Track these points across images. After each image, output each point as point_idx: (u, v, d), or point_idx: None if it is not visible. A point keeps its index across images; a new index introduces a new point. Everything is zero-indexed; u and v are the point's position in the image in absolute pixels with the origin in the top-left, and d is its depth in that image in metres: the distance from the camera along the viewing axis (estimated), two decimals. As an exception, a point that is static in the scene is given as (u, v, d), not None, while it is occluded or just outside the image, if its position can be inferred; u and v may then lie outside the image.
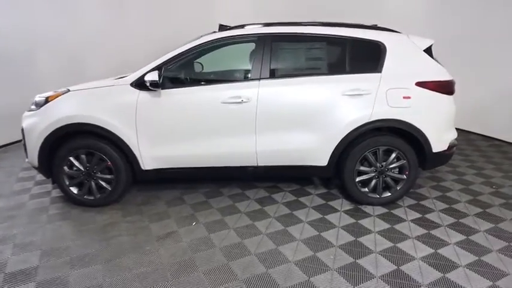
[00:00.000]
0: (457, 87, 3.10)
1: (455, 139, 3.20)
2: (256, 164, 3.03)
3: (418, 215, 2.97)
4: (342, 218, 2.93)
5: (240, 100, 2.84)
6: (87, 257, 2.44)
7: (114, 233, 2.72)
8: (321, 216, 2.97)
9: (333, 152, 2.97)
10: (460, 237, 2.66)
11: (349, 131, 2.90)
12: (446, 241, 2.60)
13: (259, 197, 3.33)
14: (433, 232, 2.71)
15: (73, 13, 5.88)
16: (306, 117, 2.91)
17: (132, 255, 2.45)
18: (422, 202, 3.22)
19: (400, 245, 2.55)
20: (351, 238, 2.64)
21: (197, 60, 3.28)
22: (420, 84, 2.92)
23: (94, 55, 6.19)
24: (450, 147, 3.13)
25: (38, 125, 2.94)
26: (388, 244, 2.56)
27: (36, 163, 3.01)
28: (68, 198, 3.14)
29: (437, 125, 3.02)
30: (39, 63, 5.41)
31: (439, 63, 3.06)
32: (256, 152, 2.97)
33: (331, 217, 2.95)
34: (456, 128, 3.26)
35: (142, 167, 3.01)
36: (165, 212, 3.05)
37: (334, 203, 3.20)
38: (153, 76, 2.75)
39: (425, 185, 3.61)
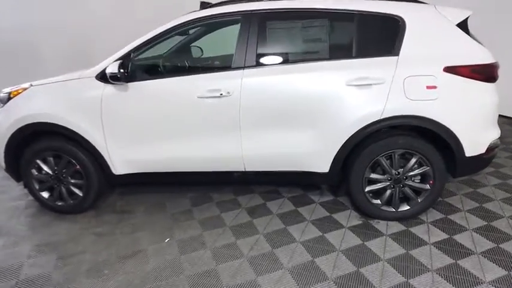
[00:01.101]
0: (503, 65, 2.38)
1: (498, 138, 2.51)
2: (243, 169, 2.55)
3: (444, 236, 2.36)
4: (346, 238, 2.39)
5: (219, 94, 2.34)
6: (38, 280, 2.12)
7: (76, 249, 2.38)
8: (320, 234, 2.44)
9: (335, 156, 2.41)
10: (500, 272, 2.04)
11: (355, 131, 2.32)
12: (480, 278, 1.99)
13: (252, 205, 2.86)
14: (462, 263, 2.11)
15: (78, 2, 5.59)
16: (301, 114, 2.35)
17: (86, 280, 2.09)
18: (451, 216, 2.59)
19: (415, 282, 1.99)
20: (352, 268, 2.10)
21: (171, 46, 2.80)
22: (450, 69, 2.25)
23: (101, 45, 5.90)
24: (490, 149, 2.45)
25: (1, 123, 2.64)
26: (399, 279, 2.01)
27: (3, 164, 2.74)
28: (40, 203, 2.86)
29: (473, 122, 2.35)
30: (42, 55, 5.21)
31: (478, 41, 2.36)
32: (242, 156, 2.48)
33: (333, 236, 2.42)
34: (502, 116, 2.56)
35: (114, 172, 2.64)
36: (141, 223, 2.66)
37: (340, 216, 2.65)
38: (113, 68, 2.31)
39: (457, 191, 2.95)
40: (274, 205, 2.84)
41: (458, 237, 2.35)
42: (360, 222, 2.57)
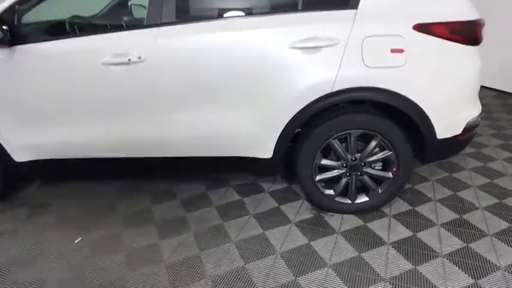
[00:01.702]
0: (490, 29, 1.92)
1: (478, 116, 2.08)
2: (169, 155, 2.10)
3: (407, 233, 1.98)
4: (290, 236, 1.99)
5: (127, 59, 1.84)
6: None
7: (-36, 252, 1.97)
8: (261, 231, 2.05)
9: (279, 139, 1.96)
10: (468, 281, 1.68)
11: (300, 108, 1.86)
12: (440, 288, 1.63)
13: (189, 195, 2.43)
14: (423, 269, 1.73)
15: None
16: (234, 86, 1.88)
17: (-41, 296, 1.69)
18: (419, 208, 2.20)
19: (362, 294, 1.61)
20: (289, 277, 1.72)
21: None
22: (422, 27, 1.76)
23: None
24: (467, 129, 2.02)
25: None
26: (344, 291, 1.64)
27: None
28: None
29: (449, 96, 1.90)
30: None
31: (458, -7, 1.87)
32: (164, 138, 2.03)
33: (275, 234, 2.02)
34: (486, 88, 2.11)
35: (15, 159, 2.17)
36: (54, 220, 2.25)
37: (289, 208, 2.25)
38: None
39: (430, 177, 2.55)
40: (216, 195, 2.42)
41: (423, 235, 1.96)
42: (311, 215, 2.17)
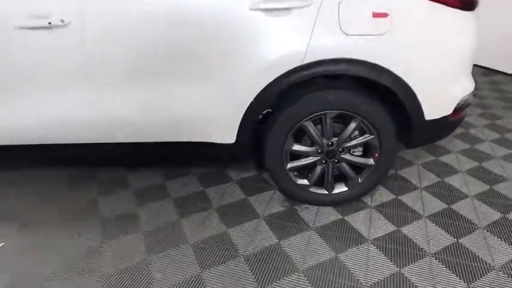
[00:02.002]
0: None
1: (471, 93, 1.82)
2: (111, 140, 1.77)
3: (390, 227, 1.74)
4: (257, 235, 1.71)
5: (47, 23, 1.47)
6: None
7: None
8: (224, 229, 1.76)
9: (242, 121, 1.65)
10: (455, 281, 1.45)
11: (266, 84, 1.55)
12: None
13: (143, 186, 2.11)
14: (408, 272, 1.50)
15: None
16: (185, 56, 1.54)
17: None
18: (404, 197, 1.96)
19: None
20: (254, 286, 1.46)
21: None
22: (409, -13, 1.47)
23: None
24: (459, 109, 1.77)
25: None
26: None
27: None
28: None
29: (439, 70, 1.62)
30: None
31: None
32: (102, 121, 1.69)
33: (240, 233, 1.74)
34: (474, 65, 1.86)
35: None
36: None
37: (258, 200, 1.97)
38: None
39: (415, 160, 2.32)
40: (175, 186, 2.11)
41: (408, 230, 1.73)
42: (283, 208, 1.90)
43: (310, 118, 1.64)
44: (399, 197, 1.96)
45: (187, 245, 1.67)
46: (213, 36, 1.50)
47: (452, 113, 1.74)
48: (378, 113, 1.64)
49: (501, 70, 4.13)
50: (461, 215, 1.82)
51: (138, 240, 1.69)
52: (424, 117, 1.67)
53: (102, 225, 1.80)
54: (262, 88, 1.55)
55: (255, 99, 1.58)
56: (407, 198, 1.95)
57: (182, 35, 1.50)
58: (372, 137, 1.69)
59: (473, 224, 1.76)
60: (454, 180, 2.11)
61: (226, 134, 1.70)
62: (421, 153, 2.41)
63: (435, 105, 1.66)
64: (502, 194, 1.98)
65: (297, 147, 1.73)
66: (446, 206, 1.89)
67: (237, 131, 1.68)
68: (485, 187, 2.04)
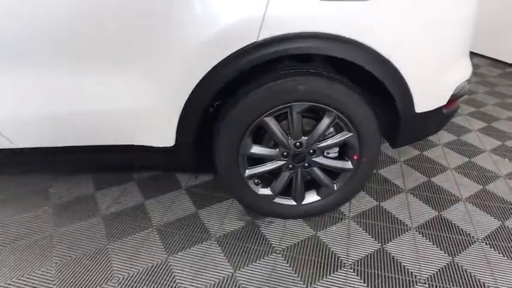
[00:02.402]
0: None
1: (468, 80, 1.50)
2: (11, 145, 1.32)
3: (375, 245, 1.42)
4: (206, 267, 1.34)
5: None
6: None
7: None
8: (164, 257, 1.38)
9: (182, 116, 1.25)
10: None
11: (209, 69, 1.15)
12: None
13: (65, 199, 1.68)
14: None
15: None
16: (102, 35, 1.10)
17: None
18: (387, 203, 1.64)
19: None
20: None
21: None
22: None
23: None
24: (453, 99, 1.44)
25: None
26: None
27: None
28: None
29: (436, 50, 1.27)
30: None
31: None
32: (-1, 121, 1.25)
33: (182, 262, 1.36)
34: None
35: None
36: None
37: (212, 214, 1.58)
38: None
39: (397, 157, 2.01)
40: (107, 198, 1.69)
41: (395, 247, 1.42)
42: (241, 224, 1.53)
43: (272, 113, 1.26)
44: (382, 204, 1.64)
45: (112, 282, 1.28)
46: (132, 10, 1.07)
47: (447, 104, 1.42)
48: (358, 105, 1.27)
49: (478, 52, 3.91)
50: (457, 226, 1.52)
51: (47, 272, 1.29)
52: (414, 110, 1.33)
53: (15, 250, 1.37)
54: (204, 75, 1.15)
55: (197, 89, 1.18)
56: (391, 205, 1.63)
57: (96, 16, 1.06)
58: (350, 135, 1.34)
59: (471, 236, 1.47)
60: (442, 180, 1.81)
61: (162, 135, 1.29)
62: (403, 148, 2.11)
63: (428, 94, 1.33)
64: (498, 196, 1.71)
65: (256, 149, 1.35)
66: (437, 213, 1.59)
67: (175, 130, 1.28)
68: (478, 187, 1.76)
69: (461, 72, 1.40)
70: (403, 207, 1.62)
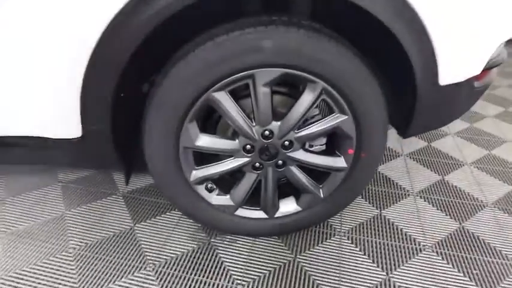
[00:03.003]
0: None
1: (505, 46, 1.08)
2: None
3: (381, 275, 1.02)
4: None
5: None
6: None
7: None
8: (71, 298, 0.97)
9: (85, 98, 0.80)
10: None
11: (105, 27, 0.69)
12: None
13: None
14: None
15: None
16: None
17: None
18: (391, 213, 1.23)
19: None
20: None
21: None
22: None
23: None
24: (488, 68, 1.02)
25: None
26: None
27: None
28: None
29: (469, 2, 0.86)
30: None
31: None
32: None
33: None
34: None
35: None
36: None
37: (155, 230, 1.13)
38: None
39: (400, 149, 1.60)
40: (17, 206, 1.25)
41: (404, 272, 1.01)
42: (192, 246, 1.10)
43: (225, 85, 0.83)
44: (383, 212, 1.23)
45: None
46: None
47: (480, 74, 1.00)
48: (357, 74, 0.85)
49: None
50: (470, 243, 1.13)
51: None
52: (437, 81, 0.90)
53: None
54: (98, 38, 0.71)
55: (95, 59, 0.73)
56: (397, 212, 1.23)
57: None
58: (343, 118, 0.90)
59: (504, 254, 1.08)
60: (456, 179, 1.42)
61: (65, 123, 0.84)
62: (405, 139, 1.70)
63: (459, 58, 0.90)
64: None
65: (205, 141, 0.92)
66: (459, 224, 1.19)
67: (79, 117, 0.84)
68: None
69: (501, 30, 0.97)
70: (412, 217, 1.21)
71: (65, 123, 0.85)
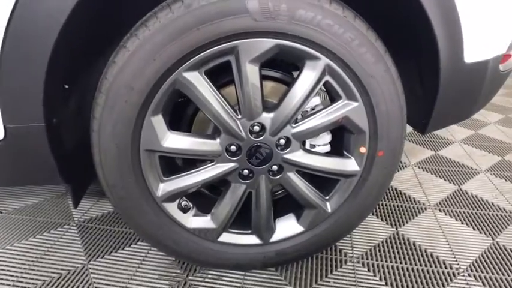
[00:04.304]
0: None
1: None
2: None
3: None
4: None
5: None
6: None
7: None
8: None
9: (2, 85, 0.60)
10: None
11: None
12: None
13: None
14: None
15: None
16: None
17: None
18: (409, 231, 1.01)
19: None
20: None
21: None
22: None
23: None
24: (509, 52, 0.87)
25: None
26: None
27: None
28: None
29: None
30: None
31: None
32: None
33: None
34: None
35: None
36: None
37: (115, 268, 0.89)
38: None
39: (407, 158, 1.42)
40: None
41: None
42: (165, 286, 0.85)
43: (201, 64, 0.63)
44: (400, 231, 1.01)
45: None
46: None
47: (506, 54, 0.84)
48: (369, 47, 0.67)
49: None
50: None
51: None
52: (463, 58, 0.73)
53: None
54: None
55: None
56: (416, 233, 1.01)
57: None
58: (353, 105, 0.71)
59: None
60: (473, 187, 1.23)
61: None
62: (411, 147, 1.52)
63: (485, 34, 0.73)
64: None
65: (176, 141, 0.69)
66: (493, 240, 0.98)
67: (0, 115, 0.62)
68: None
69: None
70: (435, 235, 1.00)
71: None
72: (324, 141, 0.81)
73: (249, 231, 0.82)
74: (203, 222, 0.78)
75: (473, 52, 0.75)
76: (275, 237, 0.82)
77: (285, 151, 0.73)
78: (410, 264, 0.90)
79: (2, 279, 0.83)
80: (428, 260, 0.91)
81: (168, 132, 0.69)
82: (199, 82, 0.65)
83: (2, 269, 0.86)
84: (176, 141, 0.69)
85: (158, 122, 0.67)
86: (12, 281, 0.82)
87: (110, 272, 0.86)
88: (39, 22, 0.56)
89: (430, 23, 0.68)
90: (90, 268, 0.87)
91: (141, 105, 0.63)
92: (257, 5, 0.60)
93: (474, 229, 1.03)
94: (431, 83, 0.77)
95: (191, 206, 0.78)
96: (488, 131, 1.72)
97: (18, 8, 0.55)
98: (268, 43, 0.63)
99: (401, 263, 0.90)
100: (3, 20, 0.55)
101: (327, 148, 0.82)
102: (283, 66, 0.85)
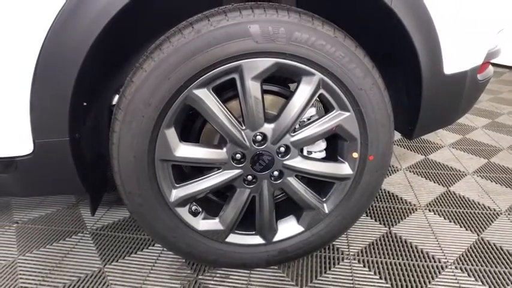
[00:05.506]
0: None
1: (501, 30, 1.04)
2: None
3: None
4: None
5: None
6: None
7: None
8: None
9: (36, 104, 0.67)
10: None
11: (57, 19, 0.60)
12: None
13: None
14: None
15: None
16: None
17: None
18: (401, 229, 1.10)
19: None
20: None
21: None
22: None
23: None
24: (486, 61, 0.96)
25: None
26: None
27: None
28: None
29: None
30: None
31: None
32: None
33: None
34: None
35: None
36: None
37: (127, 272, 0.96)
38: None
39: (399, 163, 1.50)
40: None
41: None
42: (176, 285, 0.91)
43: (209, 81, 0.70)
44: (393, 229, 1.09)
45: None
46: None
47: (482, 65, 0.93)
48: (357, 63, 0.75)
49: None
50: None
51: None
52: (442, 70, 0.82)
53: None
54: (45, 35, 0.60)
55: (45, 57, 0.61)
56: (407, 231, 1.09)
57: None
58: (345, 115, 0.79)
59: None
60: (462, 188, 1.32)
61: (7, 136, 0.69)
62: (402, 152, 1.61)
63: (462, 46, 0.83)
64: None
65: (186, 151, 0.77)
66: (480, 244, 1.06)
67: (30, 130, 0.69)
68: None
69: (497, 19, 0.92)
70: (425, 232, 1.07)
71: (19, 140, 0.69)
72: (319, 148, 0.89)
73: (254, 232, 0.89)
74: (212, 224, 0.85)
75: (452, 64, 0.84)
76: (277, 237, 0.90)
77: (285, 158, 0.81)
78: (403, 259, 0.97)
79: (25, 283, 0.89)
80: (419, 256, 0.99)
81: (179, 143, 0.76)
82: (207, 98, 0.73)
83: (24, 274, 0.92)
84: (187, 151, 0.77)
85: (171, 134, 0.74)
86: (35, 284, 0.89)
87: (126, 274, 0.92)
88: (67, 50, 0.64)
89: (411, 38, 0.76)
90: (106, 271, 0.93)
91: (156, 119, 0.71)
92: (258, 29, 0.68)
93: (461, 226, 1.11)
94: (416, 93, 0.85)
95: (200, 210, 0.85)
96: (476, 135, 1.81)
97: (50, 36, 0.63)
98: (269, 62, 0.71)
99: (394, 258, 0.98)
100: (37, 46, 0.63)
101: (323, 154, 0.90)
102: (281, 80, 0.94)
